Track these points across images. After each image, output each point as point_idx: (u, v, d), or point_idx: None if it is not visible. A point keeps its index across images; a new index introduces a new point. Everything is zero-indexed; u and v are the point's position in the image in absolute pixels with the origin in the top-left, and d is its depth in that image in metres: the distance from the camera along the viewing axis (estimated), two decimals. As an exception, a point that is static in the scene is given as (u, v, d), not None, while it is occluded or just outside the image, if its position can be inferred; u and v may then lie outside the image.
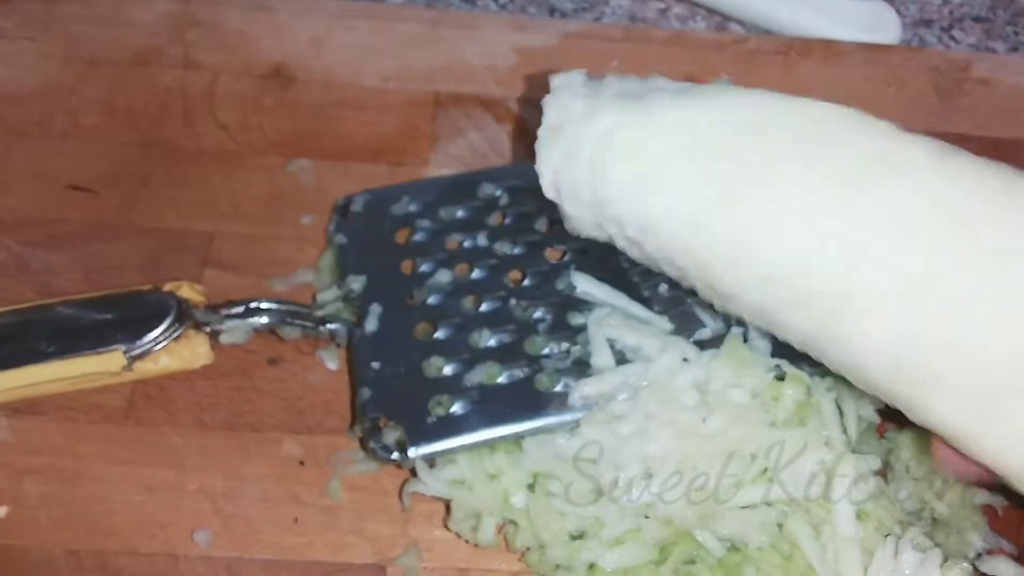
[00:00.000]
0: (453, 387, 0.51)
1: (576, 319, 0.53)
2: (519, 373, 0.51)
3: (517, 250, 0.57)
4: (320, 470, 0.52)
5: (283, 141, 0.65)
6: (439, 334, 0.53)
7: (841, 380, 0.47)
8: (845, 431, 0.49)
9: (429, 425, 0.49)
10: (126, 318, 0.51)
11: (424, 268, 0.56)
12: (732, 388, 0.48)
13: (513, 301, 0.54)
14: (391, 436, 0.49)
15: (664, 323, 0.52)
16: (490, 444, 0.49)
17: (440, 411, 0.50)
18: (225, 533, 0.50)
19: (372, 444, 0.49)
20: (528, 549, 0.49)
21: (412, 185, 0.61)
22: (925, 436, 0.52)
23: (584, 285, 0.54)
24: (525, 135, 0.67)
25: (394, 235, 0.58)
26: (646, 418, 0.48)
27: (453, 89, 0.69)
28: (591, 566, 0.48)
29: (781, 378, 0.49)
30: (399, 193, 0.60)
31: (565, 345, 0.52)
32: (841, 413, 0.50)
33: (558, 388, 0.50)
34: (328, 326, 0.54)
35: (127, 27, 0.69)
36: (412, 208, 0.59)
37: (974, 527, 0.51)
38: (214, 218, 0.61)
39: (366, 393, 0.51)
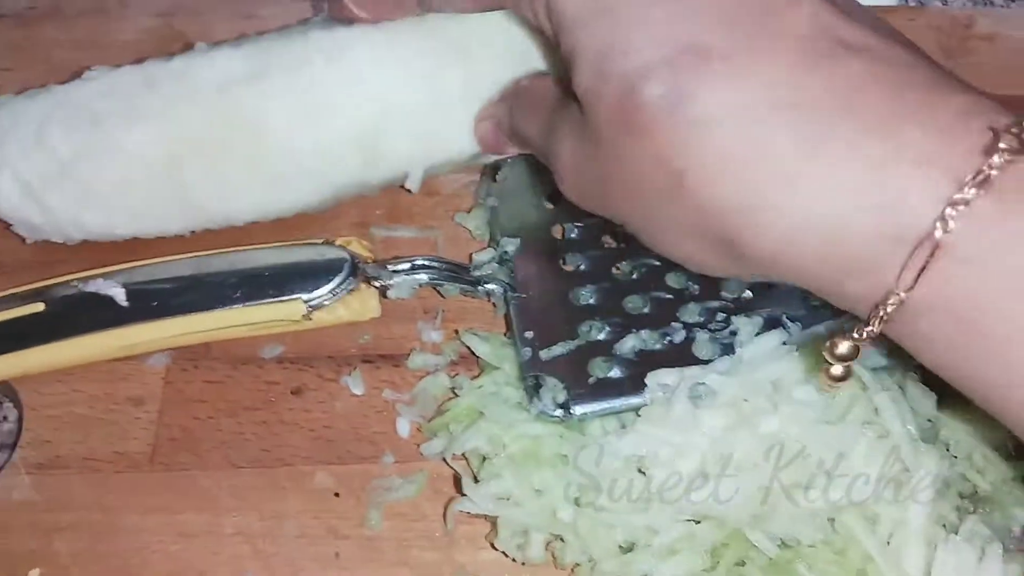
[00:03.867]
0: (610, 351, 0.51)
1: (729, 290, 0.54)
2: (676, 339, 0.52)
3: None
4: (356, 500, 0.50)
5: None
6: (595, 299, 0.54)
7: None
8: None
9: (590, 386, 0.50)
10: (303, 270, 0.53)
11: (574, 235, 0.57)
12: (801, 385, 0.47)
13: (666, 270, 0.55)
14: (554, 395, 0.50)
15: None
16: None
17: (599, 373, 0.51)
18: (267, 575, 0.48)
19: (535, 402, 0.50)
20: (578, 565, 0.48)
21: None
22: (965, 413, 0.52)
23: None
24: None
25: (542, 201, 0.59)
26: (709, 414, 0.47)
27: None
28: (643, 578, 0.47)
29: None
30: None
31: (721, 316, 0.53)
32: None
33: (716, 355, 0.51)
34: (485, 286, 0.55)
35: (111, 48, 0.66)
36: None
37: (1017, 501, 0.50)
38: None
39: (527, 353, 0.52)
